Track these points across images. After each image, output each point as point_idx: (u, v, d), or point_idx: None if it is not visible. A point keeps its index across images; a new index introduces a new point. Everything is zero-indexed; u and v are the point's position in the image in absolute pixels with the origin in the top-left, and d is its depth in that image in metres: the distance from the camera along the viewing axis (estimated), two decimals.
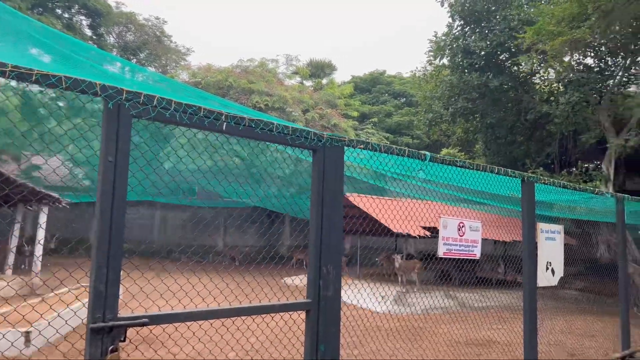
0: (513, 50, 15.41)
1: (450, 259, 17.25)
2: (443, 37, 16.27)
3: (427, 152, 3.87)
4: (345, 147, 3.28)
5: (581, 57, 17.00)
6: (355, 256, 19.36)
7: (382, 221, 14.01)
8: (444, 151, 23.80)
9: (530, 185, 4.91)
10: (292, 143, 2.98)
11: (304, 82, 26.79)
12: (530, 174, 4.98)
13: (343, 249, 3.25)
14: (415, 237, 13.76)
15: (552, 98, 15.73)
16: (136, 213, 23.18)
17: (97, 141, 2.32)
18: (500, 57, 16.28)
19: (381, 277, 16.59)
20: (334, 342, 3.07)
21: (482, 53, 15.29)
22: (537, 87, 18.88)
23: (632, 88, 18.68)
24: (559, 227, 5.47)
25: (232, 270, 19.63)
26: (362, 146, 3.40)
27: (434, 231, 14.73)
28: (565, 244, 15.10)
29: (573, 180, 13.87)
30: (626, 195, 6.86)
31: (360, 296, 12.09)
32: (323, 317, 3.02)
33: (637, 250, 13.23)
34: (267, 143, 3.16)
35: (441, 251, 4.00)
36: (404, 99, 26.90)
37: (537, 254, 5.07)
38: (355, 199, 15.37)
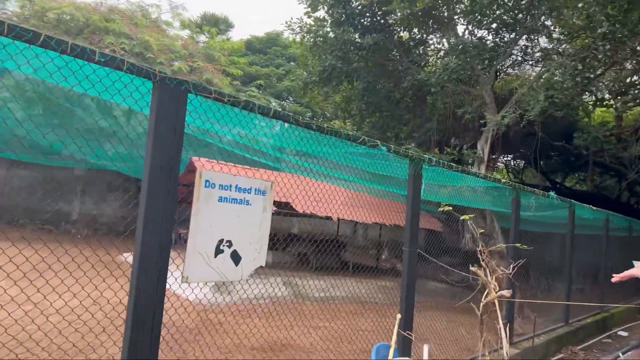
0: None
1: (307, 239, 15.29)
2: None
3: None
4: None
5: (475, 28, 15.37)
6: None
7: None
8: (338, 123, 21.79)
9: (173, 92, 2.64)
10: None
11: (194, 36, 23.72)
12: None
13: None
14: None
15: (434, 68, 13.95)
16: None
17: None
18: (386, 18, 14.25)
19: None
20: None
21: (361, 6, 13.17)
22: (430, 58, 17.15)
23: (528, 68, 17.40)
24: (263, 184, 3.25)
25: (86, 241, 16.82)
26: None
27: (286, 207, 12.58)
28: (430, 230, 13.28)
29: (444, 158, 12.13)
30: (426, 156, 4.83)
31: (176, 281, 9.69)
32: None
33: (503, 240, 11.73)
34: None
35: None
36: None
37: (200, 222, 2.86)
38: (202, 164, 12.84)
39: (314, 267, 14.29)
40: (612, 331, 9.99)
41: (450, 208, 4.82)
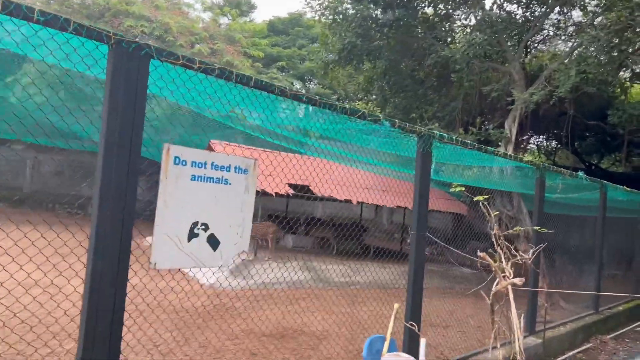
0: None
1: (328, 223, 15.00)
2: None
3: None
4: None
5: (504, 1, 14.59)
6: None
7: None
8: (360, 105, 21.29)
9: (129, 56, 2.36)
10: None
11: (215, 18, 23.48)
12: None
13: None
14: (271, 195, 11.23)
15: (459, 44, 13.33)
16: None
17: None
18: None
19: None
20: None
21: None
22: (456, 35, 16.45)
23: (560, 43, 16.53)
24: (244, 162, 2.96)
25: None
26: None
27: (304, 190, 12.31)
28: (456, 214, 12.82)
29: (469, 138, 11.60)
30: (437, 132, 4.45)
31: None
32: None
33: (531, 224, 11.19)
34: None
35: None
36: None
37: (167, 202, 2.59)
38: (216, 146, 12.65)
39: (335, 251, 14.04)
40: None
41: (463, 188, 4.45)
